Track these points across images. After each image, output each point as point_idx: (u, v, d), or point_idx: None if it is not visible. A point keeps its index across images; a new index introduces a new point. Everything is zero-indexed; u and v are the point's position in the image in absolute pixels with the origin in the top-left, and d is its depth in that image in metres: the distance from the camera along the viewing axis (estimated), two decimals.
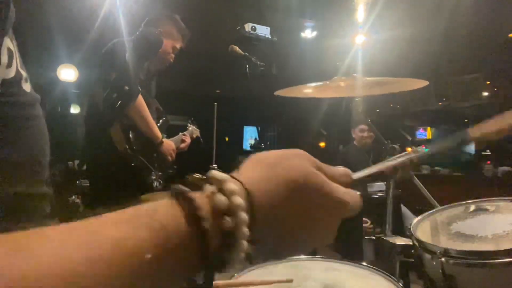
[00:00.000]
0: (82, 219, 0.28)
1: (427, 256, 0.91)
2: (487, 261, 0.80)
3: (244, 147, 8.78)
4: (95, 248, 0.25)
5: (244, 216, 0.31)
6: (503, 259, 0.78)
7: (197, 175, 0.34)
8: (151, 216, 0.29)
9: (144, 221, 0.29)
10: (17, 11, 0.48)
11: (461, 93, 6.34)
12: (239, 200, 0.32)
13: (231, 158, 5.79)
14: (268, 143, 8.72)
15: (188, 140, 2.34)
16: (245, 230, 0.31)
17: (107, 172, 1.88)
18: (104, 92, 1.84)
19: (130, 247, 0.27)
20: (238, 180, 0.34)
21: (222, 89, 7.87)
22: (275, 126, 8.95)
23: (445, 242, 0.93)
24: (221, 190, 0.32)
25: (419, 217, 1.08)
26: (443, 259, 0.85)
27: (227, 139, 8.43)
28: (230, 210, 0.31)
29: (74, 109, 7.07)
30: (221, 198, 0.31)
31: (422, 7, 3.97)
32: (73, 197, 4.04)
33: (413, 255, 1.13)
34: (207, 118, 2.53)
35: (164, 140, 2.05)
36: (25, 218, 0.49)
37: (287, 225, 0.36)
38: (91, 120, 1.99)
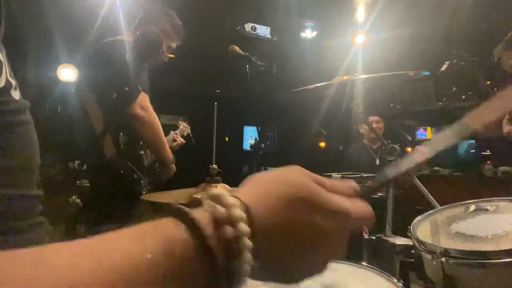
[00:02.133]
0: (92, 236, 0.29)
1: (427, 256, 0.91)
2: (487, 261, 0.80)
3: (244, 147, 8.77)
4: (103, 258, 0.26)
5: (244, 226, 0.32)
6: (503, 259, 0.78)
7: (197, 194, 0.35)
8: (155, 228, 0.30)
9: (149, 232, 0.29)
10: (17, 11, 0.49)
11: (461, 93, 6.33)
12: (238, 211, 0.32)
13: (231, 158, 5.78)
14: (268, 143, 8.72)
15: (179, 139, 2.33)
16: (247, 241, 0.32)
17: (95, 179, 1.83)
18: (92, 93, 1.78)
19: (137, 257, 0.27)
20: (235, 196, 0.34)
21: (222, 89, 7.86)
22: (275, 126, 8.94)
23: (445, 242, 0.93)
24: (220, 203, 0.33)
25: (419, 217, 1.08)
26: (443, 259, 0.85)
27: (227, 139, 8.42)
28: (230, 221, 0.31)
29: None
30: (220, 210, 0.32)
31: (422, 7, 3.97)
32: (73, 197, 4.03)
33: (413, 255, 1.13)
34: (207, 118, 2.52)
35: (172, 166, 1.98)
36: (19, 218, 0.50)
37: (290, 242, 0.35)
38: (81, 125, 1.90)
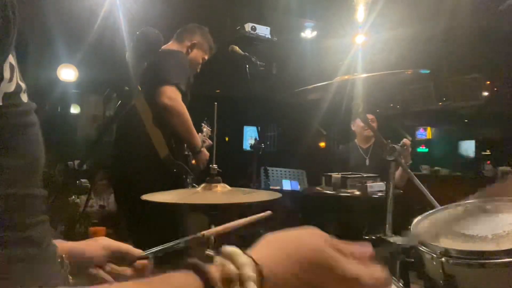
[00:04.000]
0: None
1: (427, 256, 0.91)
2: (487, 261, 0.80)
3: (244, 147, 8.76)
4: None
5: (253, 286, 0.33)
6: (503, 259, 0.78)
7: (210, 251, 0.37)
8: (169, 282, 0.32)
9: (170, 283, 0.32)
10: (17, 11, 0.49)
11: (461, 93, 6.33)
12: (249, 271, 0.33)
13: (231, 158, 5.77)
14: (268, 143, 8.71)
15: (208, 140, 2.44)
16: None
17: (149, 178, 1.94)
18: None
19: None
20: (249, 256, 0.35)
21: (222, 89, 7.86)
22: (275, 126, 8.94)
23: (445, 242, 0.93)
24: (232, 262, 0.34)
25: (419, 217, 1.08)
26: (443, 259, 0.85)
27: (227, 139, 8.42)
28: (240, 280, 0.33)
29: (74, 109, 7.06)
30: (231, 268, 0.33)
31: (422, 7, 3.96)
32: (73, 197, 4.04)
33: (413, 255, 1.13)
34: (207, 118, 2.55)
35: (203, 149, 2.14)
36: (23, 216, 0.51)
37: None
38: (128, 125, 2.05)
